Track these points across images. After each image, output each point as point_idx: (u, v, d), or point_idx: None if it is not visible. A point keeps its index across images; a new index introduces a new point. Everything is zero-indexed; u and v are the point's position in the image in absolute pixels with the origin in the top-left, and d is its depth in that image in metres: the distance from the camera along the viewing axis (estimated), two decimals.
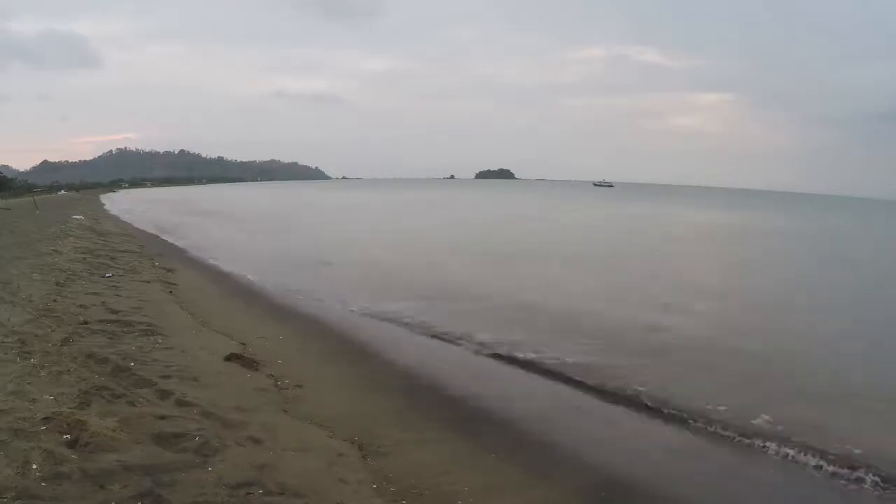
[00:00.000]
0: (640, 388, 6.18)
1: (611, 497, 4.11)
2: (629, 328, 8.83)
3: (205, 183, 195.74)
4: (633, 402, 5.96)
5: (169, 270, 13.00)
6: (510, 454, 4.68)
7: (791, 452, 4.84)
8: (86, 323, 6.98)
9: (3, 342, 5.65)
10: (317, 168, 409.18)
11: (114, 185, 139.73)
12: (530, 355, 7.29)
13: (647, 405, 5.83)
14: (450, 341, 8.05)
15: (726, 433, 5.22)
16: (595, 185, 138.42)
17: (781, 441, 5.02)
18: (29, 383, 4.64)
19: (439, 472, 4.25)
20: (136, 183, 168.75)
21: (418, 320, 9.08)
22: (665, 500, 4.14)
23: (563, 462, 4.62)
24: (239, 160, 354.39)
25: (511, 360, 7.21)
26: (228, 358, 6.42)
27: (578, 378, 6.57)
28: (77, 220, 25.84)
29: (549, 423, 5.41)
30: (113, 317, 7.53)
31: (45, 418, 3.95)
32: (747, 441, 5.08)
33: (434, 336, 8.33)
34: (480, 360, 7.32)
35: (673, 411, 5.67)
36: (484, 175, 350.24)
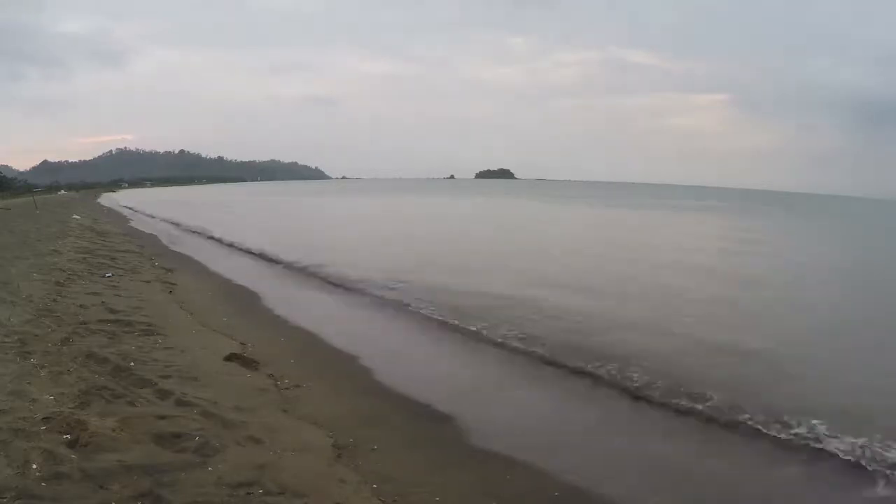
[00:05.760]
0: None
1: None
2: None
3: (205, 183, 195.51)
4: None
5: (168, 270, 13.01)
6: (506, 455, 4.68)
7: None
8: (85, 323, 6.98)
9: (3, 342, 5.66)
10: (316, 168, 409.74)
11: (114, 185, 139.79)
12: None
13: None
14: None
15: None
16: None
17: None
18: (29, 383, 4.65)
19: (439, 472, 4.26)
20: (135, 183, 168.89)
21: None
22: None
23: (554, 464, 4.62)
24: (239, 160, 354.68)
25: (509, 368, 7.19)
26: (228, 358, 6.42)
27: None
28: (77, 219, 25.87)
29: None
30: (113, 317, 7.53)
31: (45, 418, 3.95)
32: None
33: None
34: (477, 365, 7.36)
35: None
36: (484, 175, 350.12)
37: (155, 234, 23.30)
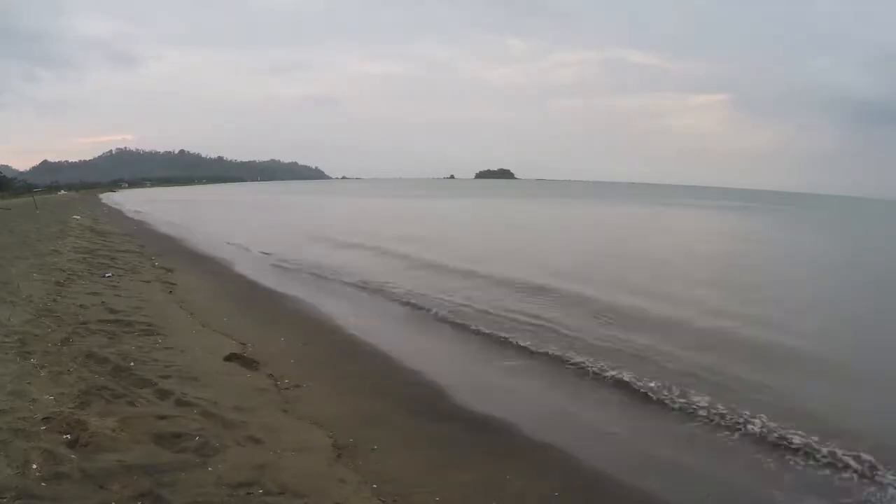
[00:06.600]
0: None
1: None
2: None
3: (205, 183, 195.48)
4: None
5: (168, 270, 13.01)
6: (505, 455, 4.67)
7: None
8: (85, 323, 6.98)
9: (3, 342, 5.66)
10: (316, 168, 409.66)
11: (113, 185, 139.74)
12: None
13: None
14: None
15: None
16: None
17: None
18: (29, 383, 4.65)
19: (439, 472, 4.26)
20: (135, 183, 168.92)
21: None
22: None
23: (554, 462, 4.62)
24: (239, 160, 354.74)
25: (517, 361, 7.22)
26: (228, 358, 6.42)
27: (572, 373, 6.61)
28: (77, 220, 25.89)
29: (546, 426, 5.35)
30: (113, 317, 7.53)
31: (45, 418, 3.96)
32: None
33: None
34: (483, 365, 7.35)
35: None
36: (484, 175, 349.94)
37: (155, 233, 23.36)
